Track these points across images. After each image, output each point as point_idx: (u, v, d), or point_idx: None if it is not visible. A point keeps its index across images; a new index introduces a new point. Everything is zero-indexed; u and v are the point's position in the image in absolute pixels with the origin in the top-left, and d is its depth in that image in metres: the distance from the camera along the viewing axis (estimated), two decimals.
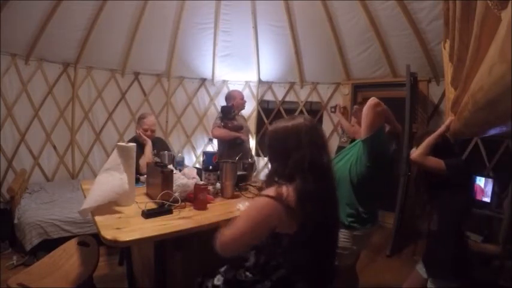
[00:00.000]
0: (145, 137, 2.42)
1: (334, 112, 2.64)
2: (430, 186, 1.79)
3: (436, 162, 1.66)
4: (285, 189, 0.99)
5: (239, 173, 1.99)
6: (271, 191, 1.02)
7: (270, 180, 1.10)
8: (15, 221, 2.68)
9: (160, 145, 2.61)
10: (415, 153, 1.72)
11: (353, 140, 1.86)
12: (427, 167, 1.70)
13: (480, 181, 2.77)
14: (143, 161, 2.24)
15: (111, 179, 1.51)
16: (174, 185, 1.61)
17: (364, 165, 1.52)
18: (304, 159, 1.02)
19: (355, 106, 1.87)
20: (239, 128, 2.95)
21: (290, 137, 1.07)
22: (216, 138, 3.07)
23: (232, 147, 2.81)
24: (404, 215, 3.06)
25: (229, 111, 2.92)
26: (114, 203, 1.54)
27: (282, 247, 1.03)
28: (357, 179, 1.55)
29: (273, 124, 1.19)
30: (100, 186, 1.49)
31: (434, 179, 1.72)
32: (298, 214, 0.98)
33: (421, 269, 1.72)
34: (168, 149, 2.58)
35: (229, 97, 3.20)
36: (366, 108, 1.48)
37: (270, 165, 1.22)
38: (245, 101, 3.24)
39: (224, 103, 3.24)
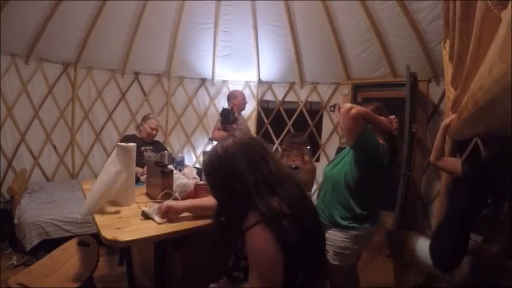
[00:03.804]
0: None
1: (333, 111, 2.64)
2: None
3: (453, 165, 1.63)
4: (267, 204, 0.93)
5: None
6: (251, 218, 0.94)
7: (224, 217, 1.04)
8: (15, 221, 2.68)
9: (160, 148, 2.67)
10: (431, 157, 1.71)
11: None
12: (443, 169, 1.67)
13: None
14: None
15: (108, 174, 1.49)
16: (174, 185, 1.61)
17: (358, 169, 1.52)
18: (256, 178, 0.97)
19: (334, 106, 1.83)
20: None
21: (227, 162, 1.00)
22: (216, 140, 3.08)
23: None
24: (404, 215, 3.06)
25: (228, 115, 2.93)
26: (114, 202, 1.54)
27: None
28: (353, 182, 1.55)
29: (204, 157, 1.12)
30: (100, 185, 1.49)
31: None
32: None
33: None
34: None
35: (230, 96, 3.21)
36: (341, 116, 1.48)
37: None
38: (246, 102, 3.25)
39: (225, 103, 3.25)
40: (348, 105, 1.48)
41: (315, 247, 1.04)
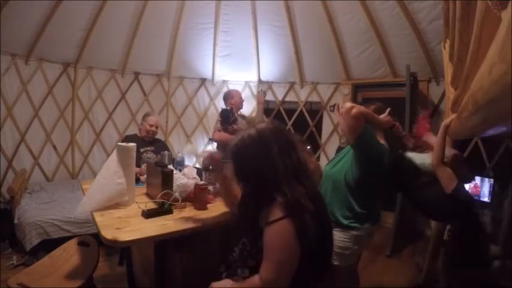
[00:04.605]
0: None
1: (333, 111, 2.65)
2: None
3: (446, 180, 1.56)
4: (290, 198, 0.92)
5: None
6: (276, 212, 0.92)
7: (249, 206, 1.02)
8: (15, 221, 2.68)
9: (160, 146, 2.66)
10: (432, 159, 1.64)
11: None
12: (439, 177, 1.60)
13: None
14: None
15: (110, 184, 1.52)
16: (174, 185, 1.61)
17: (359, 169, 1.52)
18: (286, 164, 0.95)
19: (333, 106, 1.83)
20: None
21: (261, 145, 0.98)
22: (216, 142, 3.07)
23: None
24: (404, 215, 3.06)
25: (228, 116, 2.92)
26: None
27: None
28: (354, 182, 1.55)
29: (235, 138, 1.06)
30: (100, 189, 1.50)
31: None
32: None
33: None
34: (168, 150, 2.61)
35: (227, 96, 3.20)
36: (342, 115, 1.47)
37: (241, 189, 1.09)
38: (243, 100, 3.25)
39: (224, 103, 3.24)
40: (348, 104, 1.47)
41: (326, 244, 1.04)
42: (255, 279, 0.96)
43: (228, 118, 2.91)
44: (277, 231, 0.92)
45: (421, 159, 1.75)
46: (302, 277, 0.97)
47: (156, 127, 2.72)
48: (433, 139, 1.78)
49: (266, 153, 0.98)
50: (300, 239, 0.90)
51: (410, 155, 1.81)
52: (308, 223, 0.92)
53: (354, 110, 1.42)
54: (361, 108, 1.47)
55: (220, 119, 2.97)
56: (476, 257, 1.68)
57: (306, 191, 0.95)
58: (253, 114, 4.46)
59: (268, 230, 0.93)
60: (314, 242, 0.94)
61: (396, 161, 1.66)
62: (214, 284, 1.09)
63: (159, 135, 3.32)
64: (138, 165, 2.16)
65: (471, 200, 1.77)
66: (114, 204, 1.53)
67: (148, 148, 2.63)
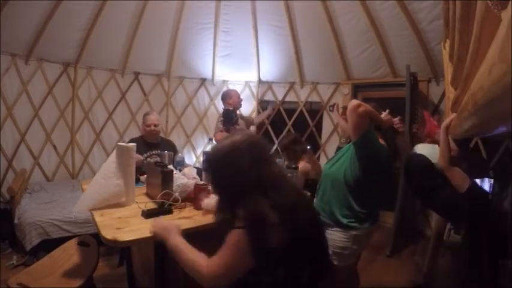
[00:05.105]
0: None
1: (332, 110, 2.67)
2: None
3: (459, 180, 1.53)
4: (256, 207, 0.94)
5: None
6: (239, 220, 0.95)
7: (223, 211, 1.05)
8: (15, 221, 2.68)
9: (166, 147, 2.53)
10: (439, 162, 1.61)
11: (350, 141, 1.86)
12: (450, 178, 1.57)
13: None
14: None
15: (108, 184, 1.52)
16: (174, 185, 1.61)
17: (358, 167, 1.51)
18: (254, 177, 0.98)
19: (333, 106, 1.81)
20: None
21: (232, 157, 1.01)
22: (217, 142, 3.05)
23: None
24: (404, 215, 3.06)
25: (231, 116, 2.92)
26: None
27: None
28: (353, 181, 1.55)
29: (211, 148, 1.12)
30: (98, 189, 1.50)
31: None
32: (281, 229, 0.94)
33: None
34: (176, 151, 2.55)
35: (225, 96, 3.21)
36: (348, 111, 1.46)
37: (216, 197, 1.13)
38: (241, 99, 3.25)
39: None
40: (355, 101, 1.46)
41: (309, 251, 1.04)
42: (203, 262, 0.98)
43: (230, 119, 2.91)
44: (234, 238, 0.95)
45: (429, 153, 1.74)
46: (297, 281, 0.99)
47: (157, 125, 2.58)
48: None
49: (235, 165, 1.01)
50: (256, 251, 0.93)
51: (419, 148, 1.79)
52: (269, 235, 0.93)
53: (360, 109, 1.42)
54: (367, 106, 1.47)
55: (222, 119, 2.96)
56: (499, 255, 1.64)
57: (273, 203, 0.96)
58: (253, 115, 4.47)
59: (229, 233, 0.97)
60: (280, 252, 0.95)
61: (391, 162, 1.65)
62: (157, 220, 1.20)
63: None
64: (142, 171, 2.07)
65: (487, 196, 1.74)
66: (112, 204, 1.53)
67: (153, 152, 2.51)
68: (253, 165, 1.00)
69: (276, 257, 0.96)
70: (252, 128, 3.96)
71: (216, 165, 1.07)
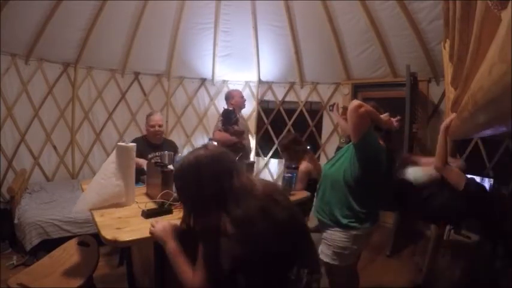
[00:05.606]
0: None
1: (332, 110, 2.68)
2: None
3: (456, 178, 1.55)
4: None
5: None
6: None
7: (187, 224, 1.09)
8: (15, 221, 2.68)
9: (168, 148, 2.48)
10: (436, 162, 1.63)
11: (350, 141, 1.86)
12: (446, 177, 1.59)
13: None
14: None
15: (108, 185, 1.52)
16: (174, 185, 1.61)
17: (358, 168, 1.51)
18: (213, 192, 0.99)
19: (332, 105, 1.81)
20: (241, 134, 2.95)
21: (192, 172, 1.03)
22: (216, 141, 3.05)
23: (233, 150, 2.80)
24: (404, 215, 3.06)
25: (230, 117, 2.92)
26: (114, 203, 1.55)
27: None
28: (353, 181, 1.55)
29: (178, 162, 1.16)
30: (98, 189, 1.50)
31: None
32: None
33: None
34: (176, 151, 2.53)
35: (228, 96, 3.20)
36: (349, 112, 1.44)
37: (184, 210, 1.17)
38: (245, 99, 3.24)
39: (224, 103, 3.24)
40: (356, 102, 1.44)
41: (277, 260, 1.00)
42: (189, 272, 1.04)
43: (229, 119, 2.91)
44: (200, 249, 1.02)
45: (413, 174, 1.76)
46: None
47: (161, 126, 2.55)
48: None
49: (195, 180, 1.02)
50: (211, 264, 0.98)
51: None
52: (223, 247, 0.96)
53: (362, 109, 1.41)
54: (368, 107, 1.45)
55: (221, 118, 2.96)
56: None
57: (230, 217, 0.96)
58: (253, 115, 4.47)
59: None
60: (238, 261, 0.97)
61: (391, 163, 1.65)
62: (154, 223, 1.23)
63: None
64: (144, 173, 2.03)
65: (485, 189, 1.75)
66: (112, 204, 1.54)
67: (157, 154, 2.45)
68: (213, 179, 1.01)
69: (233, 268, 0.97)
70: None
71: (179, 179, 1.09)
